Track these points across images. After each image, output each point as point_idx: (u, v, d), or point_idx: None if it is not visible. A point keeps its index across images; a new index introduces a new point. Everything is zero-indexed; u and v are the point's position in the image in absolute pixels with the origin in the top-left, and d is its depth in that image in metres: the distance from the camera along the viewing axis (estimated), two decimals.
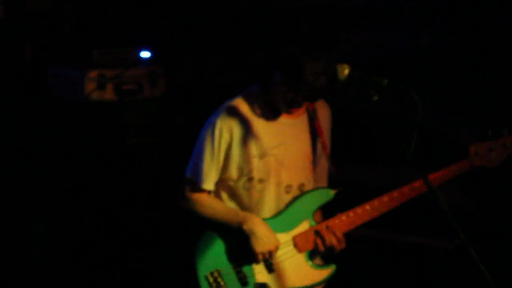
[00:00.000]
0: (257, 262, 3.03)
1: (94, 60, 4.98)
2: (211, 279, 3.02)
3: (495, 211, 4.45)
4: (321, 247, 3.07)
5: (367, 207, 3.09)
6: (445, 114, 4.74)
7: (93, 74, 4.88)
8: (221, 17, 5.26)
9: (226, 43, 5.24)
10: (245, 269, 3.05)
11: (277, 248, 3.03)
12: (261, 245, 2.99)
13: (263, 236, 2.99)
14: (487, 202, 4.48)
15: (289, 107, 2.95)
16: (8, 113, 5.01)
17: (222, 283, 3.02)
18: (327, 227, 3.07)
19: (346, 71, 2.60)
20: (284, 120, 3.07)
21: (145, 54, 5.11)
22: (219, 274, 3.03)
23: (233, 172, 3.06)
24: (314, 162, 3.16)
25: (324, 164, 3.21)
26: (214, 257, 3.05)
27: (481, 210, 4.48)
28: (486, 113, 4.49)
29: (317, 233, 3.08)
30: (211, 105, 3.13)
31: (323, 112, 3.18)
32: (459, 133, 4.61)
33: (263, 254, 3.00)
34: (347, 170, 4.33)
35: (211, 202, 3.10)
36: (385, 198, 3.09)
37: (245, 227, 3.00)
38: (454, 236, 2.35)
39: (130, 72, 4.95)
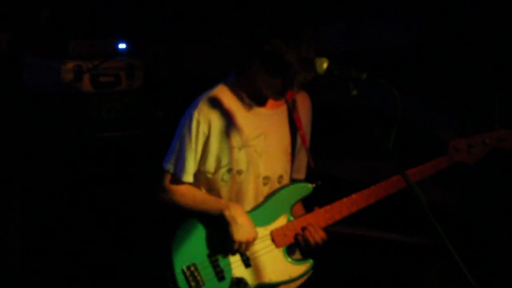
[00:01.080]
0: (233, 251, 3.01)
1: (71, 51, 4.91)
2: (187, 273, 3.00)
3: (475, 208, 4.45)
4: (300, 242, 3.07)
5: (346, 201, 3.08)
6: (426, 108, 4.74)
7: (70, 65, 4.82)
8: (199, 7, 5.22)
9: (204, 33, 5.21)
10: (222, 263, 3.04)
11: (254, 240, 3.02)
12: (240, 232, 2.97)
13: (243, 224, 2.98)
14: (468, 199, 4.49)
15: (280, 94, 2.96)
16: None
17: (198, 277, 3.00)
18: (305, 222, 3.06)
19: (325, 65, 2.59)
20: (263, 111, 3.07)
21: (122, 46, 5.06)
22: (196, 268, 3.01)
23: (211, 163, 3.05)
24: (293, 154, 3.15)
25: (302, 156, 3.21)
26: (191, 250, 3.03)
27: (462, 207, 4.48)
28: (468, 109, 4.50)
29: (296, 227, 3.06)
30: (189, 97, 3.12)
31: (304, 104, 3.18)
32: (440, 128, 4.61)
33: (241, 243, 2.98)
34: (326, 164, 4.32)
35: (191, 191, 3.09)
36: (364, 193, 3.09)
37: (226, 213, 2.98)
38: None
39: (107, 64, 4.90)
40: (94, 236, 4.76)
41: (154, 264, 3.17)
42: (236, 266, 3.05)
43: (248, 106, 3.05)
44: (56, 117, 4.85)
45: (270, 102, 3.08)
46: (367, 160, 4.55)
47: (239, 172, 3.05)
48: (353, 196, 3.08)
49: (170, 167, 3.07)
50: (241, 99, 3.05)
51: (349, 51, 4.79)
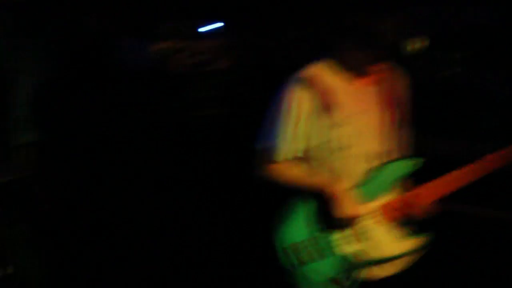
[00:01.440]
0: (338, 227, 3.01)
1: (163, 32, 4.97)
2: (292, 252, 3.02)
3: None
4: (410, 217, 3.04)
5: (452, 177, 3.04)
6: None
7: (162, 45, 4.89)
8: None
9: (294, 16, 5.17)
10: (328, 240, 3.04)
11: (358, 215, 3.00)
12: (343, 208, 2.96)
13: (345, 199, 2.96)
14: None
15: (372, 67, 2.97)
16: (77, 86, 5.07)
17: (303, 255, 3.02)
18: (414, 196, 3.03)
19: (418, 45, 2.53)
20: (361, 88, 3.06)
21: (215, 26, 5.08)
22: (302, 246, 3.02)
23: (312, 141, 3.05)
24: (394, 131, 3.12)
25: (405, 133, 3.17)
26: (295, 230, 3.05)
27: None
28: None
29: (404, 202, 3.04)
30: (281, 76, 3.10)
31: (400, 82, 3.16)
32: None
33: (343, 218, 2.97)
34: (428, 143, 4.23)
35: (289, 168, 3.09)
36: (470, 167, 3.03)
37: (328, 189, 2.98)
38: None
39: (200, 44, 4.94)
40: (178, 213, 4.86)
41: (257, 244, 3.17)
42: (343, 243, 3.05)
43: (347, 84, 3.05)
44: (149, 96, 4.94)
45: (366, 79, 3.06)
46: (471, 139, 4.44)
47: (341, 149, 3.04)
48: (460, 171, 3.03)
49: (268, 145, 3.09)
50: (338, 76, 3.04)
51: (444, 31, 4.66)
